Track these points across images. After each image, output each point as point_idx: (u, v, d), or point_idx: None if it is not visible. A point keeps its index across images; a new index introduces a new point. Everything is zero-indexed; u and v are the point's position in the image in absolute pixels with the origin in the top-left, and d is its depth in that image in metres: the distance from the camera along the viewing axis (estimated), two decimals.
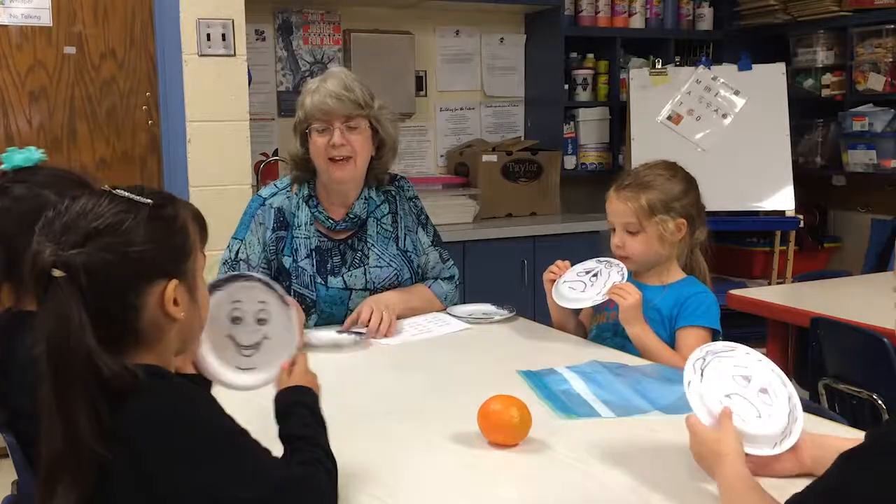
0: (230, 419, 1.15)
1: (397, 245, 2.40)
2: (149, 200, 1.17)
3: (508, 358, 2.03)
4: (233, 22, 3.45)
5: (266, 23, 4.21)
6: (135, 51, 3.58)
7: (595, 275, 2.15)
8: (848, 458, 1.00)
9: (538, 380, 1.82)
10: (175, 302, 1.17)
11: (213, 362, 1.34)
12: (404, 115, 4.44)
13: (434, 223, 2.54)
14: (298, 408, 1.30)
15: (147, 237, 1.14)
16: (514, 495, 1.33)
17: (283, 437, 1.27)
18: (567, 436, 1.53)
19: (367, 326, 2.20)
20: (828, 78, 4.50)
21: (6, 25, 3.39)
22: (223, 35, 3.43)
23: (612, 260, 2.16)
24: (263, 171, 4.05)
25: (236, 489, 1.10)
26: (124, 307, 1.13)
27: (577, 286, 2.16)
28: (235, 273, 1.35)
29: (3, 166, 1.63)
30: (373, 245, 2.37)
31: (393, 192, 2.45)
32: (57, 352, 1.07)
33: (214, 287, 1.34)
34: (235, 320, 1.35)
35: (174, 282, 1.17)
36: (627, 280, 2.10)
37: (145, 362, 1.15)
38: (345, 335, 2.17)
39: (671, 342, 2.08)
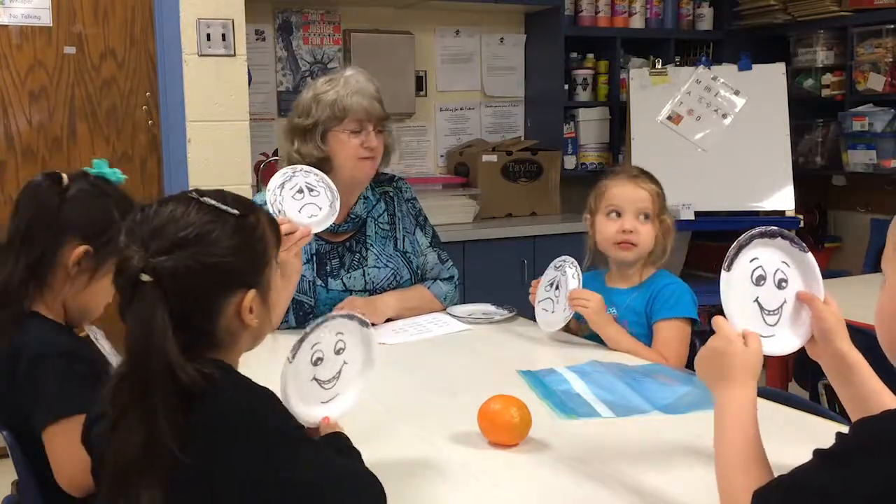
0: (289, 413, 1.20)
1: (395, 245, 2.40)
2: (235, 211, 1.20)
3: (508, 358, 2.04)
4: (233, 22, 3.45)
5: (266, 23, 4.21)
6: (135, 51, 3.58)
7: (556, 286, 2.15)
8: (823, 457, 1.00)
9: (538, 380, 1.82)
10: (250, 310, 1.19)
11: (301, 412, 1.35)
12: (404, 115, 4.44)
13: (434, 223, 2.54)
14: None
15: (231, 248, 1.17)
16: (514, 495, 1.33)
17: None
18: (567, 436, 1.53)
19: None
20: (828, 78, 4.50)
21: (6, 25, 3.39)
22: (223, 35, 3.43)
23: (565, 259, 2.16)
24: (263, 171, 4.05)
25: (303, 474, 1.13)
26: (205, 314, 1.16)
27: (548, 305, 2.17)
28: (317, 321, 1.37)
29: (90, 170, 1.68)
30: (371, 245, 2.37)
31: (391, 193, 2.45)
32: (139, 355, 1.10)
33: (300, 342, 1.34)
34: (317, 362, 1.37)
35: (252, 292, 1.20)
36: (583, 278, 2.11)
37: (215, 358, 1.18)
38: None
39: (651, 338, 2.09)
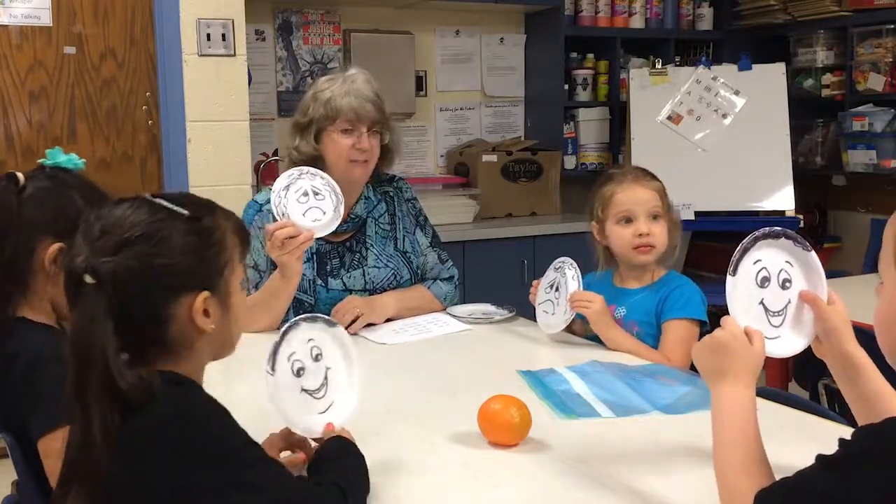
0: (242, 431, 1.15)
1: (395, 245, 2.41)
2: (186, 212, 1.17)
3: (508, 358, 2.03)
4: (233, 22, 3.45)
5: (266, 23, 4.21)
6: (135, 51, 3.58)
7: (556, 288, 2.14)
8: (825, 463, 1.00)
9: (538, 380, 1.82)
10: (206, 313, 1.17)
11: (301, 425, 1.34)
12: (404, 115, 4.44)
13: (434, 223, 2.54)
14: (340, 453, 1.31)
15: (180, 249, 1.15)
16: (514, 495, 1.33)
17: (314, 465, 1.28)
18: (567, 436, 1.53)
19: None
20: (828, 78, 4.50)
21: (6, 25, 3.39)
22: (223, 35, 3.43)
23: (564, 260, 2.15)
24: (263, 171, 4.05)
25: (254, 495, 1.09)
26: (152, 317, 1.14)
27: (548, 307, 2.16)
28: (281, 331, 1.36)
29: (45, 161, 1.64)
30: (371, 245, 2.38)
31: (391, 193, 2.45)
32: (79, 357, 1.08)
33: (274, 353, 1.32)
34: (300, 373, 1.34)
35: (204, 294, 1.17)
36: (590, 279, 2.11)
37: (171, 370, 1.15)
38: None
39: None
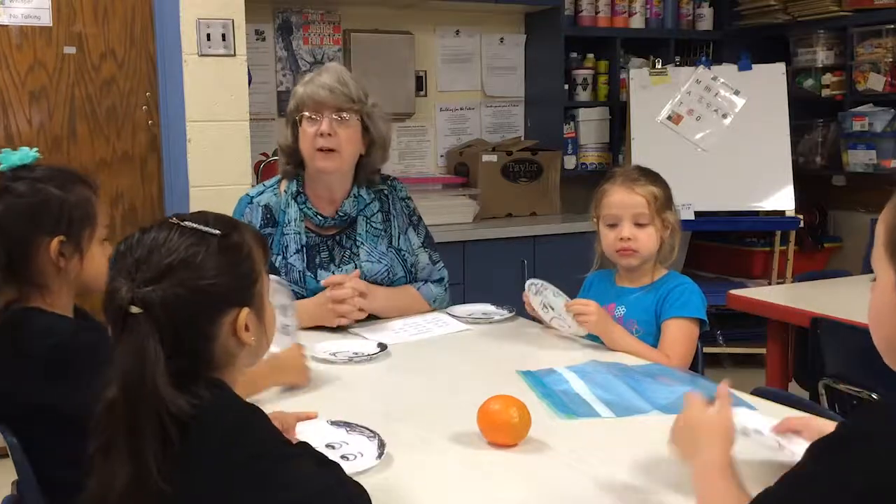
0: (278, 430, 1.18)
1: (389, 243, 2.40)
2: (217, 231, 1.18)
3: (508, 358, 2.03)
4: (233, 22, 3.45)
5: (266, 23, 4.22)
6: (135, 51, 3.58)
7: (551, 306, 2.16)
8: (819, 448, 1.00)
9: (538, 380, 1.82)
10: (246, 328, 1.19)
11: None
12: (404, 115, 4.45)
13: (434, 223, 2.54)
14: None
15: (218, 269, 1.16)
16: (514, 495, 1.33)
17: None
18: (567, 436, 1.53)
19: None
20: (828, 78, 4.50)
21: (6, 25, 3.39)
22: (223, 35, 3.43)
23: (534, 282, 2.18)
24: (263, 171, 4.05)
25: (296, 491, 1.12)
26: (199, 339, 1.15)
27: (559, 323, 2.18)
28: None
29: (0, 167, 1.63)
30: (362, 243, 2.37)
31: (385, 192, 2.45)
32: (132, 389, 1.08)
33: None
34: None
35: (245, 310, 1.19)
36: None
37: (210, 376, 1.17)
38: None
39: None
